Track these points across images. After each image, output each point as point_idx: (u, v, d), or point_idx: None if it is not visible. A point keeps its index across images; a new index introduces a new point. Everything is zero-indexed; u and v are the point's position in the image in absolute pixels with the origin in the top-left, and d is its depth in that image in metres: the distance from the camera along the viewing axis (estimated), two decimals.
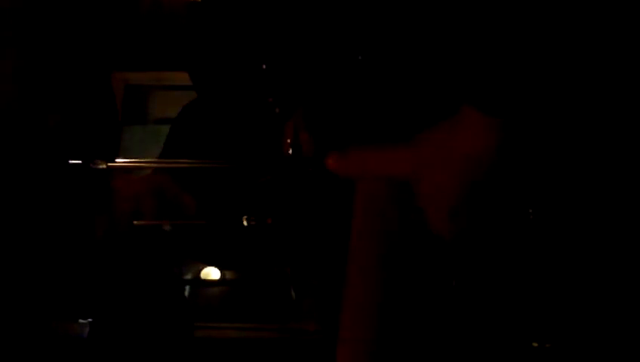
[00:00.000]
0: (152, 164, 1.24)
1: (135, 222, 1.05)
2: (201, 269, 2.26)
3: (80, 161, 1.05)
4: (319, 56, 0.87)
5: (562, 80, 0.62)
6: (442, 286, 0.73)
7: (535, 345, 0.71)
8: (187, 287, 2.22)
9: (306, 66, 0.91)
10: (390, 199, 0.69)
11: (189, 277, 2.19)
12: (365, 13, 0.80)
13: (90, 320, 1.14)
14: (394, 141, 0.69)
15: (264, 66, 0.98)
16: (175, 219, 1.08)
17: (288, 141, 0.99)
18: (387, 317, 0.68)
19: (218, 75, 1.09)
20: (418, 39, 0.75)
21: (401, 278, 0.69)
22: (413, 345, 0.72)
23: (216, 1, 1.07)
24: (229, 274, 2.28)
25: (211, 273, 2.26)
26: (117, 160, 1.09)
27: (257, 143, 1.09)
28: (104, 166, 1.05)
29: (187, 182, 1.11)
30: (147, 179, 1.11)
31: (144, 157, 2.37)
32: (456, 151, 0.64)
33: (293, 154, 0.99)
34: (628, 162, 0.71)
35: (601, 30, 0.61)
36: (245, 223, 1.04)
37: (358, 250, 0.69)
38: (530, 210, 0.71)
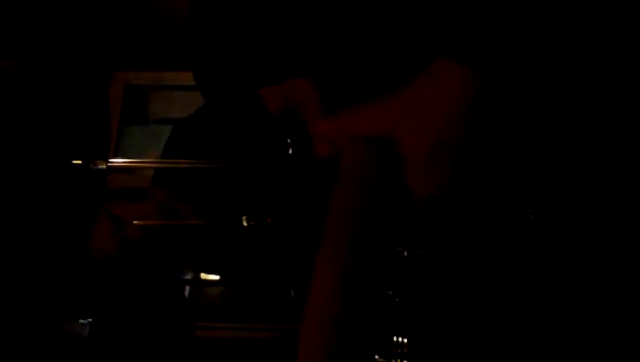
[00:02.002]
0: (152, 164, 1.24)
1: (135, 222, 1.05)
2: None
3: (80, 161, 1.05)
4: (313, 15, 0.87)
5: (539, 32, 0.62)
6: (442, 286, 0.73)
7: (534, 344, 0.71)
8: (187, 287, 2.22)
9: (299, 24, 0.90)
10: (371, 162, 0.68)
11: (189, 277, 2.20)
12: None
13: (90, 320, 1.15)
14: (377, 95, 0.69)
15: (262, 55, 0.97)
16: (176, 226, 1.08)
17: (288, 141, 0.99)
18: (357, 278, 0.67)
19: (221, 71, 1.09)
20: None
21: (376, 244, 0.68)
22: (414, 346, 0.72)
23: None
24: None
25: None
26: (117, 160, 1.09)
27: (259, 144, 1.09)
28: (104, 166, 1.05)
29: (186, 191, 1.11)
30: (151, 204, 1.11)
31: (144, 158, 2.37)
32: (431, 103, 0.64)
33: (293, 154, 0.99)
34: (628, 162, 0.71)
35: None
36: (245, 223, 1.04)
37: (336, 212, 0.68)
38: (530, 210, 0.71)
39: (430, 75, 0.65)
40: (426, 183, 0.65)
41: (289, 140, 0.99)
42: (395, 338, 0.73)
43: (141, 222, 1.05)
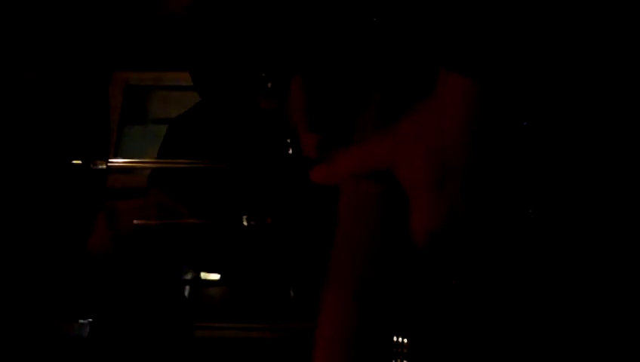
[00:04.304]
0: (152, 164, 1.24)
1: (135, 222, 1.05)
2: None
3: (80, 161, 1.05)
4: (313, 30, 0.87)
5: (542, 48, 0.60)
6: (442, 286, 0.73)
7: (534, 344, 0.71)
8: (187, 287, 2.22)
9: (300, 42, 0.90)
10: (375, 204, 0.66)
11: (189, 277, 2.20)
12: None
13: (90, 320, 1.14)
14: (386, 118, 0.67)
15: (264, 74, 0.98)
16: (175, 225, 1.08)
17: (288, 141, 0.99)
18: (366, 330, 0.65)
19: (218, 72, 1.09)
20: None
21: (382, 288, 0.67)
22: (414, 345, 0.72)
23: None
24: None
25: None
26: (117, 160, 1.09)
27: (258, 143, 1.09)
28: (104, 166, 1.05)
29: (184, 191, 1.11)
30: (148, 200, 1.11)
31: (144, 158, 2.37)
32: (433, 125, 0.60)
33: (293, 154, 0.99)
34: (628, 162, 0.71)
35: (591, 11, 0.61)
36: (245, 223, 1.04)
37: (339, 258, 0.66)
38: (530, 210, 0.71)
39: (434, 97, 0.62)
40: (431, 214, 0.62)
41: (289, 140, 0.99)
42: (395, 338, 0.73)
43: (141, 222, 1.05)
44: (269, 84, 0.98)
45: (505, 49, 0.60)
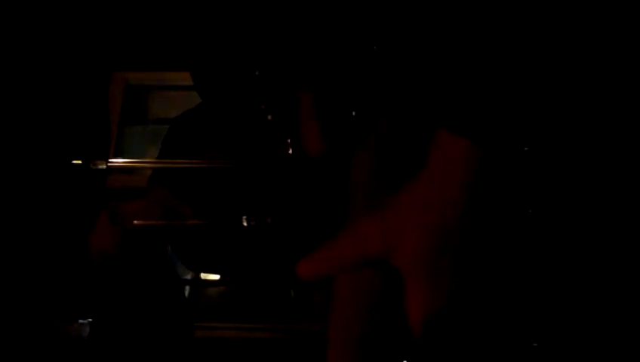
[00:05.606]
0: (152, 164, 1.24)
1: (135, 222, 1.05)
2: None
3: (80, 161, 1.06)
4: (316, 54, 0.87)
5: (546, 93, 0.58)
6: None
7: (535, 344, 0.71)
8: (187, 287, 2.22)
9: (299, 71, 0.91)
10: (370, 288, 0.64)
11: (188, 277, 2.20)
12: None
13: (90, 320, 1.15)
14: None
15: (257, 73, 0.98)
16: (176, 224, 1.08)
17: (288, 141, 0.99)
18: None
19: (219, 74, 1.09)
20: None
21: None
22: (413, 345, 0.72)
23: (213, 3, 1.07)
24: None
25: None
26: (117, 160, 1.09)
27: (258, 143, 1.09)
28: (104, 166, 1.05)
29: (184, 190, 1.11)
30: (150, 199, 1.12)
31: (144, 158, 2.37)
32: (428, 203, 0.57)
33: (293, 154, 0.99)
34: (628, 162, 0.71)
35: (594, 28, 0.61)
36: (245, 223, 1.04)
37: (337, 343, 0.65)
38: (530, 210, 0.71)
39: (425, 166, 0.58)
40: (427, 303, 0.60)
41: (289, 140, 0.99)
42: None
43: (141, 222, 1.05)
44: (269, 117, 0.98)
45: (507, 108, 0.56)
